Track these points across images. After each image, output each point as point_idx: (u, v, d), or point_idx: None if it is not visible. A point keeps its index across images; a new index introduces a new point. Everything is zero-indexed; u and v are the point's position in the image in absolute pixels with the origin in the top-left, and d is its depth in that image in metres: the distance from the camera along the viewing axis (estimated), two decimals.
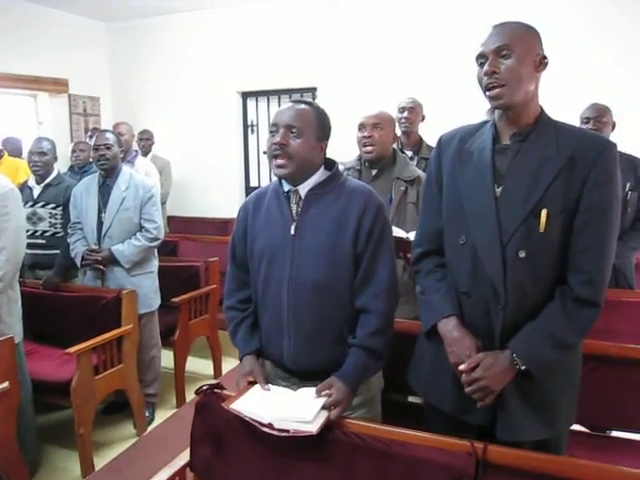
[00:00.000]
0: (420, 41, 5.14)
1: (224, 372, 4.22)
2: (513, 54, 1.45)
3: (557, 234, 1.48)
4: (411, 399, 2.52)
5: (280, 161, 1.70)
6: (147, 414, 3.47)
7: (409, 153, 3.41)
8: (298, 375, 1.81)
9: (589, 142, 1.49)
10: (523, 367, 1.49)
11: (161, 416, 3.59)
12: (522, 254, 1.49)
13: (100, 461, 3.07)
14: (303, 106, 1.75)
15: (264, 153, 6.25)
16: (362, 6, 5.39)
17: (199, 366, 4.27)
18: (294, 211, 1.77)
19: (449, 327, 1.61)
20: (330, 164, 1.83)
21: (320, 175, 1.78)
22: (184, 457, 1.83)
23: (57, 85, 6.13)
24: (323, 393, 1.66)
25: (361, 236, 1.71)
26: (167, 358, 3.81)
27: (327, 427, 1.56)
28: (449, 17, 5.01)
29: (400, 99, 3.59)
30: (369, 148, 2.58)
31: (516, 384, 1.52)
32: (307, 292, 1.72)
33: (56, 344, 3.35)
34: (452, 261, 1.66)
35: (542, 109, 1.56)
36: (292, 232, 1.74)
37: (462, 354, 1.55)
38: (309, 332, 1.75)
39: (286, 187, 1.80)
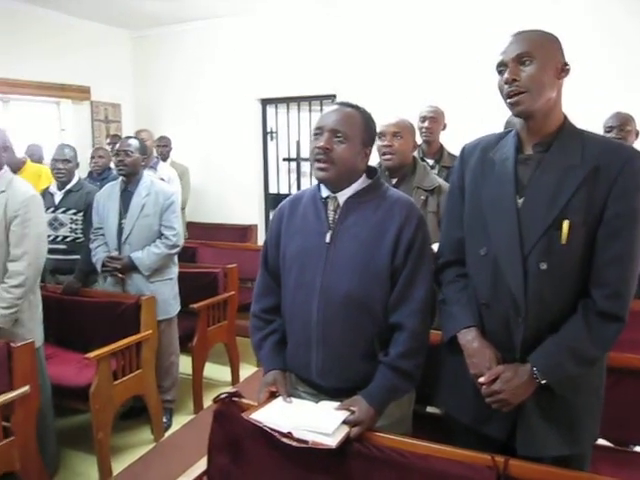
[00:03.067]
0: (441, 47, 5.13)
1: (241, 379, 4.22)
2: (534, 61, 1.43)
3: (579, 246, 1.46)
4: (429, 410, 2.50)
5: (322, 165, 1.66)
6: (165, 420, 3.48)
7: (430, 162, 3.40)
8: (325, 391, 1.75)
9: (614, 151, 1.46)
10: (543, 381, 1.47)
11: (179, 422, 3.59)
12: (543, 266, 1.46)
13: (118, 466, 3.09)
14: (349, 109, 1.70)
15: (284, 160, 6.27)
16: (381, 13, 5.39)
17: (217, 372, 4.27)
18: (331, 218, 1.72)
19: (469, 338, 1.59)
20: (372, 172, 1.77)
21: (361, 183, 1.73)
22: (201, 465, 1.82)
23: (80, 92, 6.22)
24: (346, 408, 1.61)
25: (400, 250, 1.64)
26: (185, 364, 3.81)
27: (345, 441, 1.53)
28: (470, 25, 4.99)
29: (421, 107, 3.57)
30: (388, 156, 2.57)
31: (537, 398, 1.50)
32: (338, 303, 1.66)
33: (75, 348, 3.38)
34: (473, 272, 1.65)
35: (566, 117, 1.54)
36: (327, 240, 1.69)
37: (482, 366, 1.53)
38: (339, 346, 1.69)
39: (324, 193, 1.75)
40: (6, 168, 2.75)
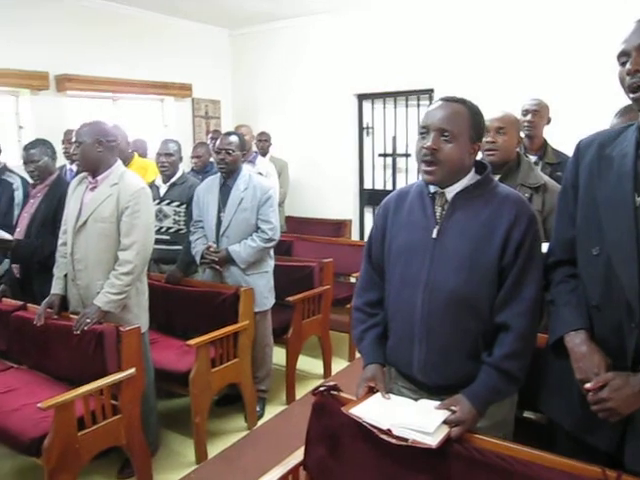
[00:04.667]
0: (546, 38, 4.89)
1: (333, 372, 4.25)
2: None
3: None
4: (526, 414, 2.41)
5: (429, 168, 1.62)
6: (258, 409, 3.56)
7: (533, 158, 3.25)
8: (426, 388, 1.73)
9: None
10: None
11: (271, 412, 3.67)
12: None
13: (212, 450, 3.20)
14: (456, 105, 1.64)
15: (379, 155, 6.25)
16: (480, 3, 5.24)
17: (309, 365, 4.33)
18: (438, 214, 1.68)
19: (577, 341, 1.51)
20: (481, 167, 1.73)
21: (470, 178, 1.69)
22: (297, 456, 1.84)
23: (182, 90, 6.48)
24: (447, 408, 1.59)
25: (509, 248, 1.59)
26: (279, 356, 3.89)
27: (446, 441, 1.51)
28: (577, 12, 4.73)
29: (524, 101, 3.44)
30: (491, 152, 2.50)
31: None
32: (443, 300, 1.63)
33: (176, 335, 3.54)
34: (584, 273, 1.56)
35: None
36: (434, 235, 1.66)
37: (589, 371, 1.45)
38: (442, 343, 1.66)
39: (432, 188, 1.71)
40: (119, 162, 2.92)
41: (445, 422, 1.55)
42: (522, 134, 3.12)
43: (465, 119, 1.63)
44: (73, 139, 2.89)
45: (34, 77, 5.02)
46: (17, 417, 2.56)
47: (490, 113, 2.57)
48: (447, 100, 1.66)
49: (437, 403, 1.62)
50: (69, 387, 2.65)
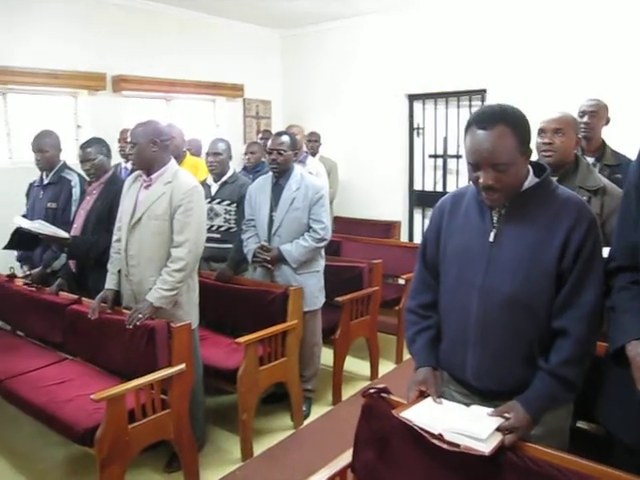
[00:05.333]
0: (603, 34, 4.71)
1: (380, 374, 4.22)
2: None
3: None
4: (580, 424, 2.32)
5: (491, 197, 1.58)
6: (304, 408, 3.56)
7: (590, 159, 3.15)
8: (479, 393, 1.70)
9: None
10: None
11: (316, 412, 3.66)
12: None
13: (258, 447, 3.22)
14: (498, 129, 1.52)
15: (430, 156, 6.18)
16: (534, 1, 5.10)
17: (356, 366, 4.30)
18: (495, 217, 1.65)
19: (639, 350, 1.46)
20: (540, 169, 1.67)
21: (529, 182, 1.63)
22: (345, 458, 1.83)
23: (234, 90, 6.56)
24: (500, 415, 1.55)
25: (569, 252, 1.54)
26: (326, 356, 3.88)
27: (499, 448, 1.47)
28: (636, 9, 4.56)
29: (581, 101, 3.33)
30: (548, 154, 2.43)
31: None
32: (499, 303, 1.60)
33: (225, 333, 3.59)
34: None
35: None
36: (491, 239, 1.63)
37: None
38: (497, 348, 1.63)
39: None
40: (173, 160, 2.97)
41: (498, 429, 1.51)
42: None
43: (511, 140, 1.53)
44: (128, 139, 2.96)
45: (92, 78, 5.17)
46: (71, 407, 2.63)
47: (547, 114, 2.51)
48: (485, 126, 1.54)
49: (490, 409, 1.59)
50: (120, 380, 2.72)
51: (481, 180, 1.57)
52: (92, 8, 5.14)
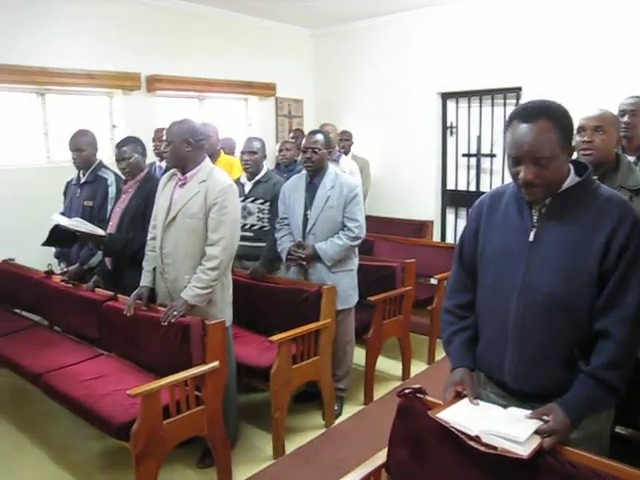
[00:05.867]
0: None
1: (412, 375, 4.19)
2: None
3: None
4: (618, 429, 2.26)
5: (531, 192, 1.57)
6: (336, 407, 3.55)
7: (631, 158, 3.08)
8: (516, 395, 1.67)
9: None
10: None
11: (348, 411, 3.65)
12: None
13: (290, 445, 3.22)
14: (540, 123, 1.51)
15: (463, 155, 6.11)
16: None
17: (388, 366, 4.28)
18: (535, 216, 1.62)
19: None
20: (582, 168, 1.63)
21: (570, 181, 1.59)
22: (380, 457, 1.82)
23: (266, 89, 6.57)
24: (539, 417, 1.52)
25: (611, 252, 1.51)
26: (358, 355, 3.86)
27: (537, 451, 1.43)
28: None
29: (620, 99, 3.25)
30: (588, 152, 2.38)
31: None
32: (539, 304, 1.58)
33: (258, 331, 3.60)
34: None
35: None
36: (531, 238, 1.60)
37: None
38: (536, 349, 1.60)
39: None
40: (207, 159, 2.99)
41: (537, 432, 1.48)
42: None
43: (554, 134, 1.51)
44: (163, 138, 2.98)
45: (127, 78, 5.23)
46: (107, 402, 2.68)
47: (587, 111, 2.45)
48: (528, 119, 1.53)
49: (528, 412, 1.56)
50: (155, 376, 2.75)
51: (521, 175, 1.54)
52: (127, 10, 5.21)
